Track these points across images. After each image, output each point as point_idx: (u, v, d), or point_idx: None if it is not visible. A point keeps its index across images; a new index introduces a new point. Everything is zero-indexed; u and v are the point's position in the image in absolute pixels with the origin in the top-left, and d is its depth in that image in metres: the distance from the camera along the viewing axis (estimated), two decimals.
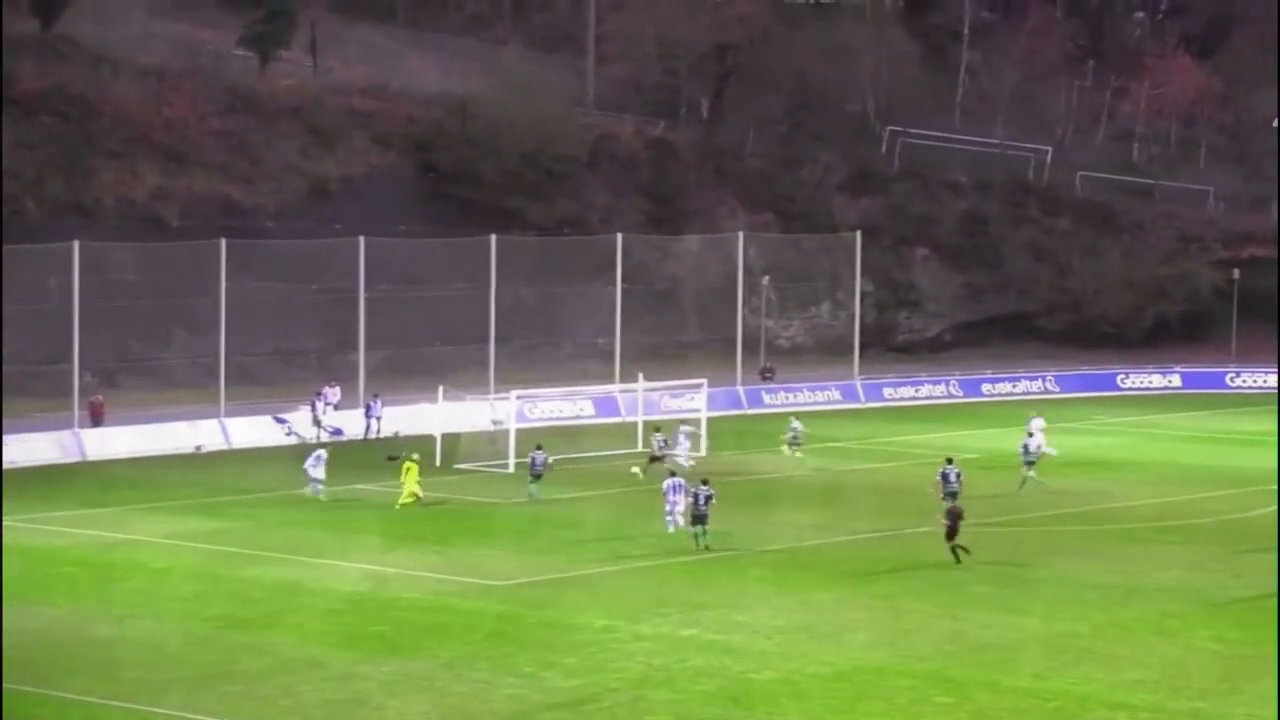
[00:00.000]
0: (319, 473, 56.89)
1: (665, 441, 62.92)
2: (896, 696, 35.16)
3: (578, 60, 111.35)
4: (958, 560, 47.60)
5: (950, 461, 55.30)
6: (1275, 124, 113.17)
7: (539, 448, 59.38)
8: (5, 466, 61.68)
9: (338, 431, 71.81)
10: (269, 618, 41.38)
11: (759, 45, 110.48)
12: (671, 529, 50.96)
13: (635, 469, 62.10)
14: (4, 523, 51.65)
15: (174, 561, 47.88)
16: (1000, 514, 55.62)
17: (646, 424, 67.52)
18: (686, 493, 50.79)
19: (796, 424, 67.86)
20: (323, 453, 57.79)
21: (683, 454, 62.47)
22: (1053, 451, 64.45)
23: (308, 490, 56.81)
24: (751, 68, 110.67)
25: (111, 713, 33.85)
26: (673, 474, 53.54)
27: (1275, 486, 60.04)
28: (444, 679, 36.04)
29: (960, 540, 47.66)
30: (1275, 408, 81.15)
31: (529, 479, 58.12)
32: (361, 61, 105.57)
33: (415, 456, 57.16)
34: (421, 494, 56.19)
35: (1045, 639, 39.86)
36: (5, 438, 63.77)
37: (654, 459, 61.78)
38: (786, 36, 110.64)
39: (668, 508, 51.20)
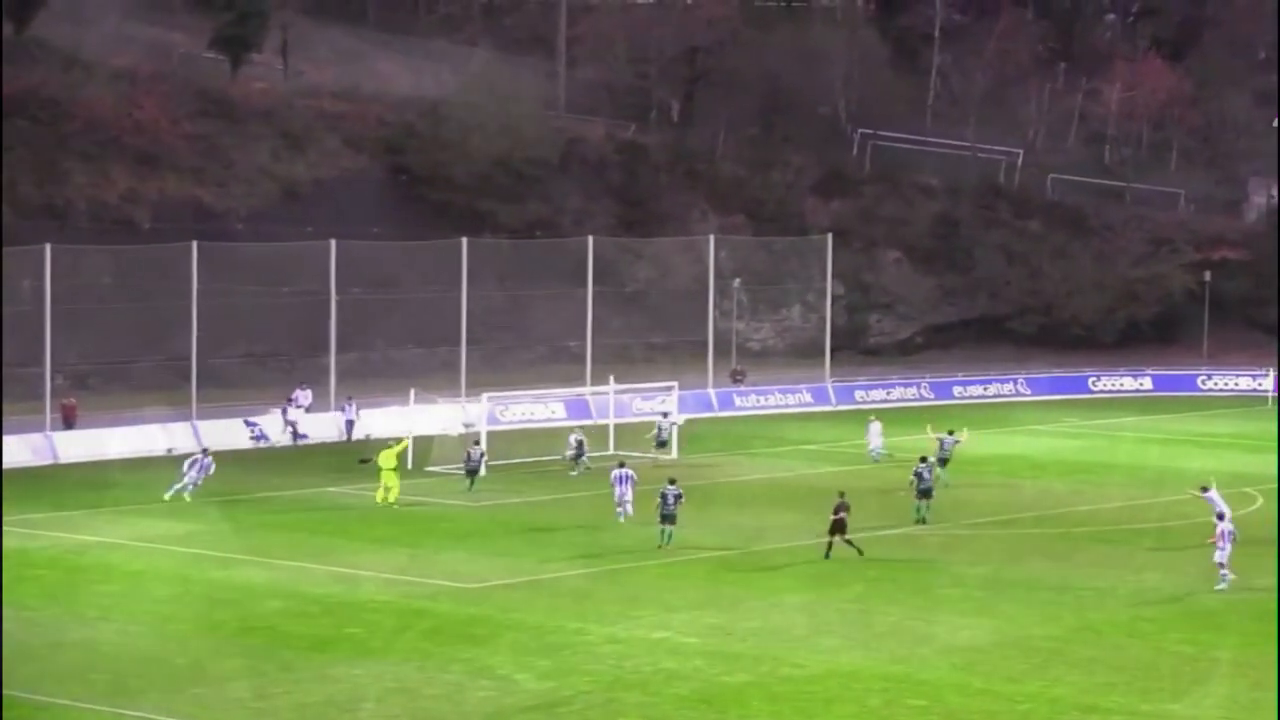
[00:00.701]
0: (192, 474, 56.89)
1: (580, 441, 64.86)
2: (868, 699, 35.25)
3: (549, 63, 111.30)
4: (831, 554, 48.35)
5: (924, 460, 55.74)
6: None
7: (475, 443, 61.51)
8: None
9: (302, 436, 71.36)
10: (242, 620, 41.36)
11: (729, 48, 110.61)
12: (622, 519, 52.64)
13: (573, 472, 63.65)
14: None
15: (147, 564, 47.83)
16: (972, 517, 55.79)
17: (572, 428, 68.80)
18: (633, 482, 53.09)
19: (664, 422, 67.72)
20: (203, 459, 57.70)
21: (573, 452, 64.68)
22: (884, 452, 66.94)
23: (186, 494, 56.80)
24: (722, 70, 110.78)
25: (84, 715, 33.82)
26: (621, 465, 54.98)
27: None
28: (417, 681, 36.07)
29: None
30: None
31: (465, 475, 60.02)
32: (333, 64, 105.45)
33: (409, 437, 58.68)
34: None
35: (1017, 642, 39.99)
36: None
37: (576, 457, 64.13)
38: (757, 39, 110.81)
39: (616, 498, 52.93)
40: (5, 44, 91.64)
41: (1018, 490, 62.60)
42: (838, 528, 48.72)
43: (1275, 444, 67.33)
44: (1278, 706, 34.61)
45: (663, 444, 66.79)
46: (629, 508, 53.02)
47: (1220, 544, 45.17)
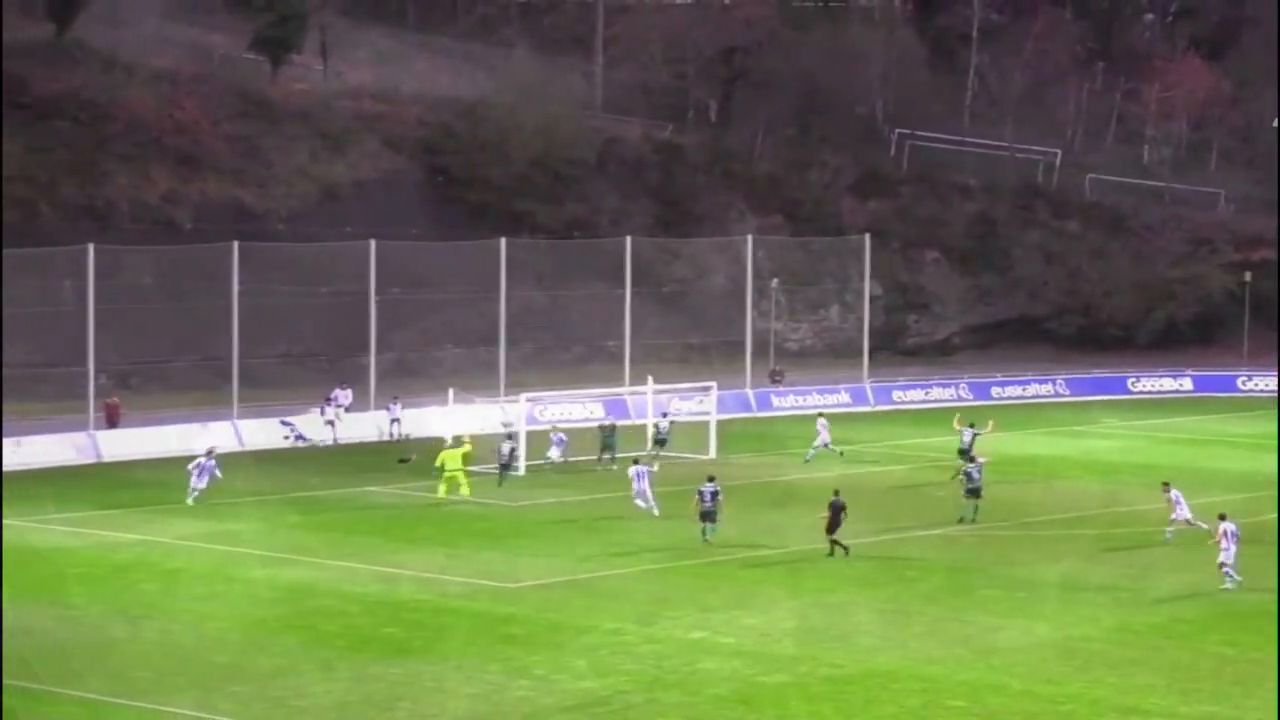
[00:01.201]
0: (195, 480, 56.76)
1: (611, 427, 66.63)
2: (907, 700, 35.28)
3: (586, 63, 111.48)
4: (835, 553, 48.66)
5: (973, 460, 55.99)
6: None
7: (508, 437, 62.26)
8: (21, 468, 62.53)
9: (300, 437, 71.16)
10: (281, 619, 41.56)
11: (767, 48, 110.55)
12: (642, 505, 54.19)
13: (613, 466, 64.47)
14: (20, 524, 52.18)
15: (187, 562, 48.09)
16: (1010, 518, 55.74)
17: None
18: (650, 477, 55.05)
19: (663, 421, 67.98)
20: (205, 462, 57.38)
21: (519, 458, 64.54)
22: (834, 449, 67.32)
23: (190, 497, 56.67)
24: (759, 70, 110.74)
25: (124, 712, 34.02)
26: (636, 461, 57.47)
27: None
28: (455, 680, 36.20)
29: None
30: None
31: (500, 469, 61.14)
32: (371, 65, 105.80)
33: (466, 440, 59.22)
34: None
35: (1056, 643, 39.98)
36: (22, 440, 64.47)
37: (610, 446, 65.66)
38: (794, 39, 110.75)
39: (635, 490, 54.47)
40: (48, 46, 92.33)
41: (1056, 491, 62.50)
42: (834, 524, 48.87)
43: None
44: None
45: (660, 442, 67.15)
46: (642, 500, 54.46)
47: (1224, 544, 45.21)
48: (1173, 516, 51.43)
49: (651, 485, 54.98)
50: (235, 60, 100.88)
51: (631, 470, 55.73)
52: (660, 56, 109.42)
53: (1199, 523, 50.55)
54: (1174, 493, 51.89)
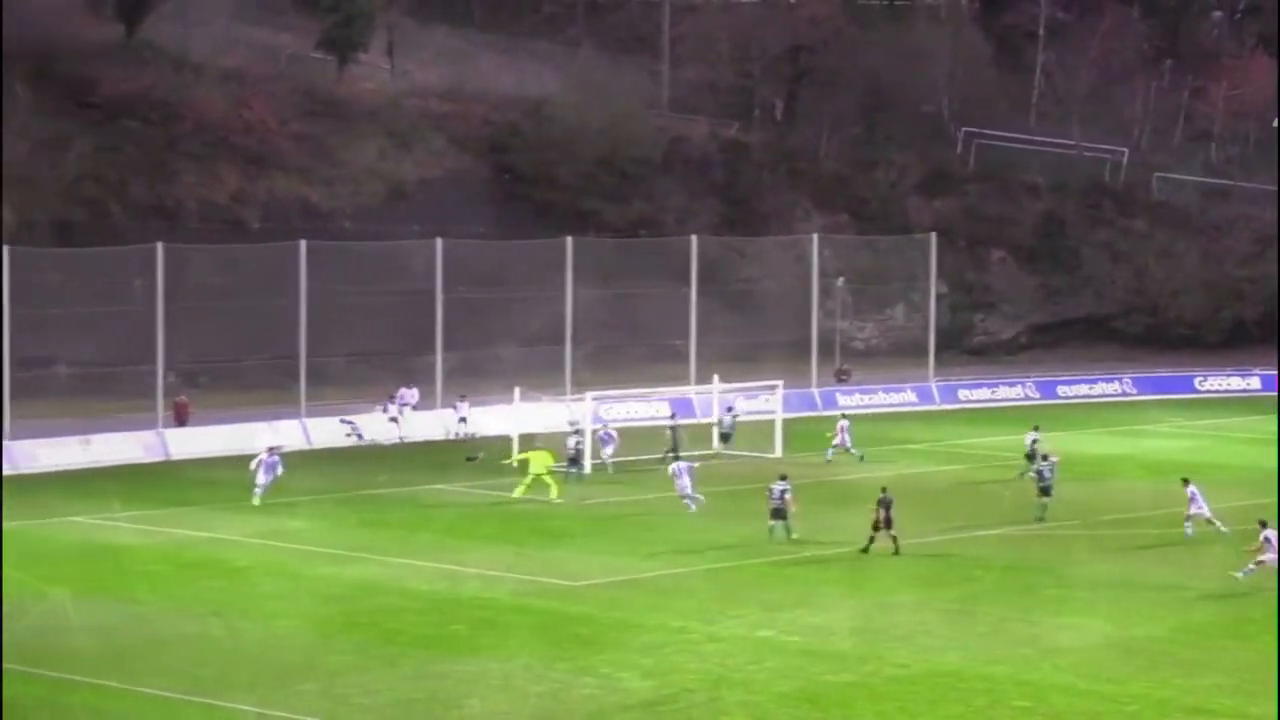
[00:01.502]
0: (262, 477, 56.72)
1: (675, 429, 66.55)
2: (973, 699, 35.27)
3: (652, 62, 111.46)
4: (896, 551, 48.92)
5: (1046, 458, 55.99)
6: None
7: (576, 431, 62.75)
8: (90, 466, 63.67)
9: (360, 435, 71.01)
10: (347, 616, 41.82)
11: (833, 46, 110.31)
12: (692, 507, 54.66)
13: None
14: (89, 521, 52.81)
15: (255, 560, 48.43)
16: (1074, 517, 55.57)
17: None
18: (691, 473, 55.50)
19: (727, 416, 68.86)
20: (268, 458, 57.32)
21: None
22: (851, 450, 66.97)
23: (256, 495, 56.67)
24: (825, 69, 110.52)
25: (191, 709, 34.32)
26: (677, 458, 58.68)
27: None
28: (521, 679, 36.37)
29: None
30: None
31: (567, 464, 61.42)
32: (438, 64, 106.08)
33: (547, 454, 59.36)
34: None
35: (1121, 642, 39.89)
36: (91, 438, 65.46)
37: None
38: (860, 37, 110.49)
39: (678, 488, 55.16)
40: (117, 46, 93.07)
41: (1120, 490, 62.26)
42: (885, 523, 49.06)
43: None
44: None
45: (725, 437, 67.42)
46: (689, 500, 54.98)
47: (1268, 549, 45.16)
48: (1189, 512, 51.58)
49: (692, 479, 55.34)
50: (303, 60, 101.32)
51: (671, 468, 56.38)
52: (726, 55, 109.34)
53: (1205, 517, 51.19)
54: (1190, 488, 52.18)
